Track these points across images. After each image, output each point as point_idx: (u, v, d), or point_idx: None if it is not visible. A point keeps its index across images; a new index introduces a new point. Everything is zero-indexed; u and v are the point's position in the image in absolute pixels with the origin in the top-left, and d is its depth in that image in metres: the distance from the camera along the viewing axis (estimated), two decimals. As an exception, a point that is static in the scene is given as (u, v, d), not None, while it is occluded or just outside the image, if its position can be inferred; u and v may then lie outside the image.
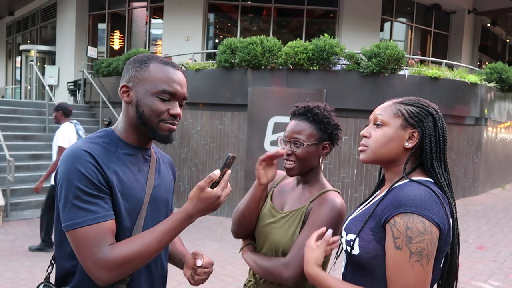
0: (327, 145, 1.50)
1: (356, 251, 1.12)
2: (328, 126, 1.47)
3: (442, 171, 1.15)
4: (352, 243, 1.13)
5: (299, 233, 1.41)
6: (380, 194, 1.21)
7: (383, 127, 1.18)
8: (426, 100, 1.22)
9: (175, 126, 1.20)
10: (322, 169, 1.55)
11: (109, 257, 1.03)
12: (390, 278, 1.04)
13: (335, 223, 1.37)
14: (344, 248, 1.18)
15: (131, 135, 1.21)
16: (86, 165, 1.06)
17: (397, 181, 1.14)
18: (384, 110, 1.20)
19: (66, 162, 1.08)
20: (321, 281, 1.15)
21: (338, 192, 1.49)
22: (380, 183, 1.31)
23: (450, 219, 1.08)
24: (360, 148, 1.23)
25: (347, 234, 1.18)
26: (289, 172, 1.49)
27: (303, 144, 1.44)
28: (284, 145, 1.49)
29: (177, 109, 1.18)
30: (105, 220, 1.06)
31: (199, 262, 1.23)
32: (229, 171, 1.14)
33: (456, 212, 1.13)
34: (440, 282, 1.16)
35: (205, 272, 1.24)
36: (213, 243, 5.25)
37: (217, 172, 1.11)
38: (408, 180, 1.13)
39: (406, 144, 1.16)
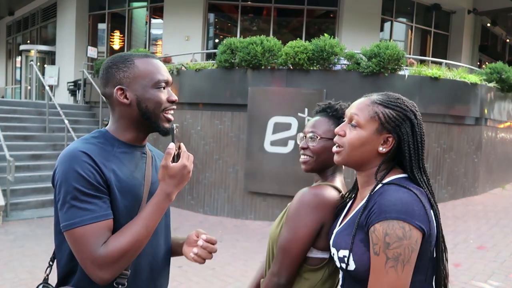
0: None
1: (352, 266, 1.09)
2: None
3: (422, 177, 1.13)
4: (346, 259, 1.10)
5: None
6: (359, 201, 1.19)
7: (358, 128, 1.15)
8: (406, 100, 1.18)
9: (172, 116, 1.24)
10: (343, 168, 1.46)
11: (104, 254, 1.04)
12: (369, 285, 1.04)
13: (305, 212, 1.29)
14: (339, 265, 1.15)
15: (128, 134, 1.22)
16: (84, 166, 1.07)
17: (375, 187, 1.12)
18: (360, 110, 1.17)
19: (64, 164, 1.09)
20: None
21: (332, 186, 1.39)
22: (353, 187, 1.29)
23: (432, 215, 1.07)
24: (335, 149, 1.20)
25: (338, 250, 1.14)
26: (303, 167, 1.44)
27: (317, 138, 1.39)
28: (300, 140, 1.46)
29: (174, 95, 1.23)
30: (103, 220, 1.07)
31: (203, 236, 1.27)
32: (182, 143, 1.16)
33: (438, 210, 1.11)
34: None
35: (210, 247, 1.27)
36: (213, 243, 5.26)
37: (172, 146, 1.13)
38: (383, 183, 1.10)
39: (380, 148, 1.14)
